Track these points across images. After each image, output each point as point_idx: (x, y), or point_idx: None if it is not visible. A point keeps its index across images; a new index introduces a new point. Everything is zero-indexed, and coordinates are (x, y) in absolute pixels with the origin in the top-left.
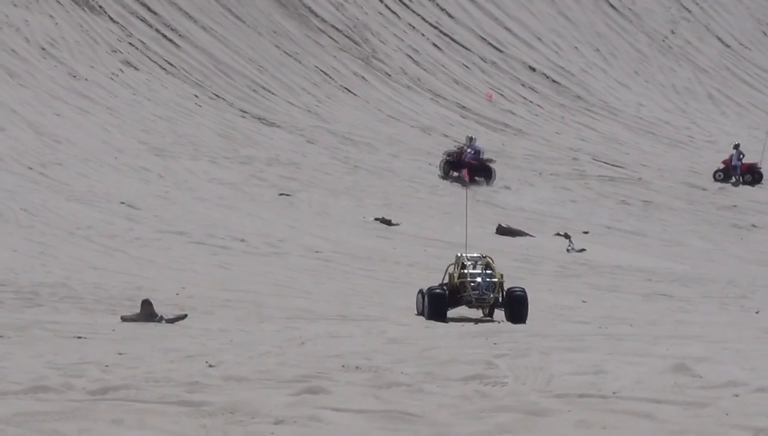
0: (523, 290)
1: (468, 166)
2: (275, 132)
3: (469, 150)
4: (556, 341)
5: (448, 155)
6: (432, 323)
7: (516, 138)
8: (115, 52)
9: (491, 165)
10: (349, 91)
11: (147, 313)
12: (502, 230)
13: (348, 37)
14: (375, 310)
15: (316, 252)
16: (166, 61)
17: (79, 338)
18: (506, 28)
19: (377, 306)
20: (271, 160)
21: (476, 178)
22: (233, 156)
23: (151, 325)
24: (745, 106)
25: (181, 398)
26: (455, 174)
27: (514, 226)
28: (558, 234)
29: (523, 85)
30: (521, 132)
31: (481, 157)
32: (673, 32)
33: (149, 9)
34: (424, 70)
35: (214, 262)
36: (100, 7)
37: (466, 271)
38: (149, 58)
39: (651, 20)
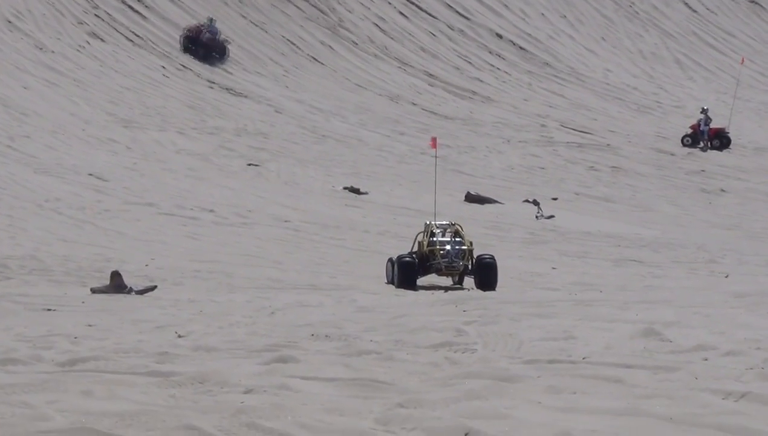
0: (493, 257)
1: (205, 46)
2: (243, 102)
3: (207, 33)
4: (526, 308)
5: (188, 31)
6: (402, 291)
7: (484, 105)
8: (82, 24)
9: (227, 45)
10: (317, 60)
11: (116, 284)
12: (471, 198)
13: (314, 7)
14: (345, 279)
15: (285, 222)
16: (132, 32)
17: (49, 310)
18: None
19: (347, 275)
20: (239, 131)
21: (214, 54)
22: (201, 127)
23: (121, 296)
24: (712, 71)
25: (150, 369)
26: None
27: (483, 193)
28: (527, 201)
29: (490, 53)
30: (489, 99)
31: (217, 38)
32: None
33: None
34: (391, 38)
35: (183, 233)
36: None
37: (435, 239)
38: (116, 30)
39: None
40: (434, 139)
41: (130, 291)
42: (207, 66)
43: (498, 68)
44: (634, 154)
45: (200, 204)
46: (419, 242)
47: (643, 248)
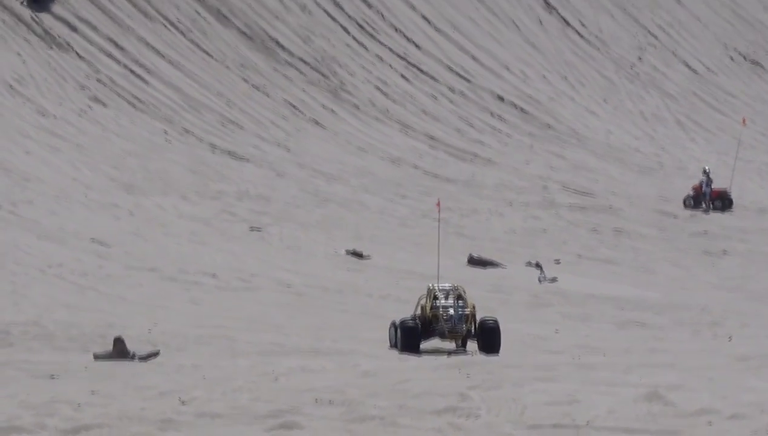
0: (496, 321)
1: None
2: (245, 166)
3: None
4: (529, 372)
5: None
6: (405, 355)
7: (485, 168)
8: (84, 88)
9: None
10: (318, 123)
11: (119, 350)
12: (474, 261)
13: (316, 70)
14: (348, 343)
15: (288, 286)
16: (134, 96)
17: (52, 376)
18: (474, 58)
19: (350, 339)
20: (242, 195)
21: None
22: (203, 191)
23: (124, 362)
24: (713, 132)
25: None
26: None
27: (485, 256)
28: (529, 264)
29: (491, 115)
30: (490, 161)
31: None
32: (640, 59)
33: (117, 45)
34: (393, 101)
35: (185, 298)
36: (68, 43)
37: (438, 302)
38: (117, 94)
39: (618, 47)
40: (438, 202)
41: (133, 357)
42: (208, 129)
43: (499, 130)
44: (636, 216)
45: (203, 269)
46: (422, 306)
47: (646, 311)
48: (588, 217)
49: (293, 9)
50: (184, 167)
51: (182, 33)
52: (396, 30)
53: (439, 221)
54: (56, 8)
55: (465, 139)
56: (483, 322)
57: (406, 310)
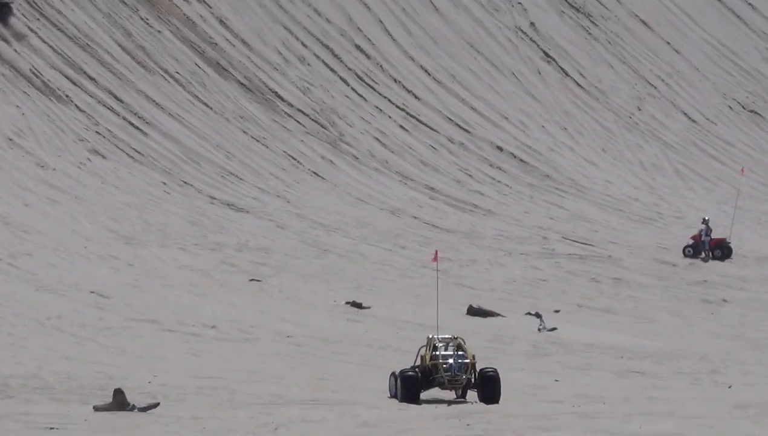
0: (496, 371)
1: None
2: (244, 217)
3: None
4: (530, 421)
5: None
6: (405, 405)
7: (485, 218)
8: (83, 140)
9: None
10: (318, 175)
11: (119, 402)
12: (473, 311)
13: (315, 121)
14: (348, 393)
15: (288, 337)
16: (133, 149)
17: (52, 429)
18: (473, 109)
19: (350, 390)
20: (241, 246)
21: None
22: (203, 242)
23: (124, 414)
24: (712, 181)
25: None
26: None
27: (485, 306)
28: (529, 313)
29: (491, 165)
30: (490, 212)
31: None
32: (639, 109)
33: (116, 97)
34: (392, 152)
35: (185, 349)
36: (67, 96)
37: (438, 352)
38: (117, 147)
39: (617, 97)
40: (436, 253)
41: (133, 409)
42: (207, 181)
43: (499, 181)
44: (635, 265)
45: (202, 320)
46: (422, 356)
47: (646, 359)
48: (587, 266)
49: (292, 61)
50: (183, 219)
51: (182, 85)
52: (395, 81)
53: (437, 271)
54: (55, 61)
55: (464, 189)
56: (483, 371)
57: (406, 360)
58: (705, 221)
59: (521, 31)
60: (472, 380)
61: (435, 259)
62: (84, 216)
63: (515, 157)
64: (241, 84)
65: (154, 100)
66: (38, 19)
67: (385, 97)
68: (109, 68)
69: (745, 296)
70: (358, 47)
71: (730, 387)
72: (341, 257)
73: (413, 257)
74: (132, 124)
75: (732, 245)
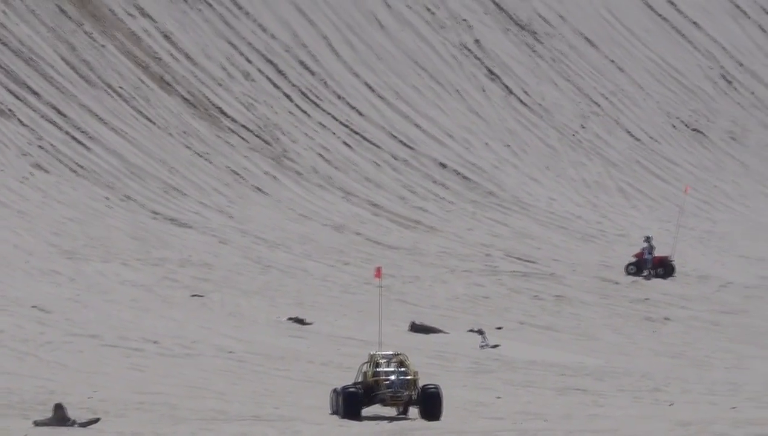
0: (437, 387)
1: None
2: (187, 233)
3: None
4: None
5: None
6: (346, 421)
7: (428, 235)
8: (25, 155)
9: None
10: (261, 190)
11: (60, 417)
12: (416, 328)
13: (259, 137)
14: (289, 410)
15: (230, 353)
16: (76, 163)
17: None
18: (417, 125)
19: (291, 406)
20: (184, 262)
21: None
22: (145, 258)
23: (64, 429)
24: (655, 199)
25: None
26: None
27: (428, 323)
28: (471, 330)
29: (434, 182)
30: (433, 229)
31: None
32: (583, 127)
33: (59, 112)
34: (336, 168)
35: (126, 364)
36: (10, 110)
37: (380, 369)
38: (59, 161)
39: (561, 115)
40: (379, 269)
41: (73, 424)
42: (150, 196)
43: (442, 198)
44: (578, 282)
45: (144, 335)
46: (364, 373)
47: (588, 377)
48: (530, 284)
49: (236, 76)
50: (125, 234)
51: (125, 100)
52: (339, 97)
53: (380, 287)
54: None
55: (408, 206)
56: (425, 388)
57: (348, 376)
58: (648, 239)
59: (466, 48)
60: (414, 396)
61: (378, 275)
62: (26, 230)
63: (459, 174)
64: (185, 99)
65: (97, 115)
66: None
67: (329, 114)
68: (52, 82)
69: (687, 314)
70: (302, 63)
71: (671, 405)
72: (284, 273)
73: (356, 274)
74: (75, 138)
75: (674, 263)
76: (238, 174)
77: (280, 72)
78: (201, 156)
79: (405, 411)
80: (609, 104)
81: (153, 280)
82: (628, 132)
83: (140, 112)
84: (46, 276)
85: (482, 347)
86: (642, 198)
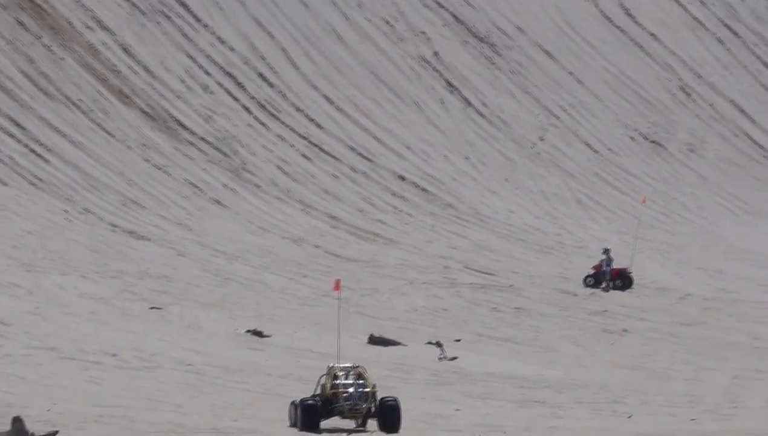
0: (396, 400)
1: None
2: (146, 245)
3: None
4: None
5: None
6: (305, 434)
7: (387, 247)
8: None
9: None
10: (220, 203)
11: (18, 430)
12: (375, 340)
13: (217, 149)
14: (248, 422)
15: (188, 365)
16: (35, 176)
17: None
18: (375, 138)
19: (250, 418)
20: (142, 274)
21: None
22: (104, 270)
23: None
24: (614, 211)
25: None
26: None
27: (386, 335)
28: (430, 342)
29: (393, 195)
30: (392, 241)
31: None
32: (541, 139)
33: (17, 124)
34: (294, 180)
35: (85, 377)
36: None
37: (338, 381)
38: (18, 174)
39: (520, 127)
40: (338, 282)
41: None
42: (109, 209)
43: (401, 210)
44: (536, 294)
45: (103, 348)
46: (322, 385)
47: (547, 389)
48: (489, 296)
49: (195, 89)
50: (84, 246)
51: (84, 113)
52: (298, 110)
53: (339, 299)
54: None
55: (367, 218)
56: (383, 400)
57: (307, 389)
58: (606, 251)
59: (425, 60)
60: (373, 408)
61: (337, 288)
62: None
63: (417, 186)
64: (144, 112)
65: (56, 128)
66: None
67: (287, 126)
68: (10, 95)
69: (646, 326)
70: (261, 76)
71: (630, 417)
72: (242, 286)
73: (315, 286)
74: (34, 151)
75: (633, 275)
76: (196, 186)
77: (238, 84)
78: (160, 168)
79: (363, 424)
80: (567, 116)
81: (112, 292)
82: (587, 144)
83: (99, 125)
84: (4, 289)
85: (441, 359)
86: (600, 210)
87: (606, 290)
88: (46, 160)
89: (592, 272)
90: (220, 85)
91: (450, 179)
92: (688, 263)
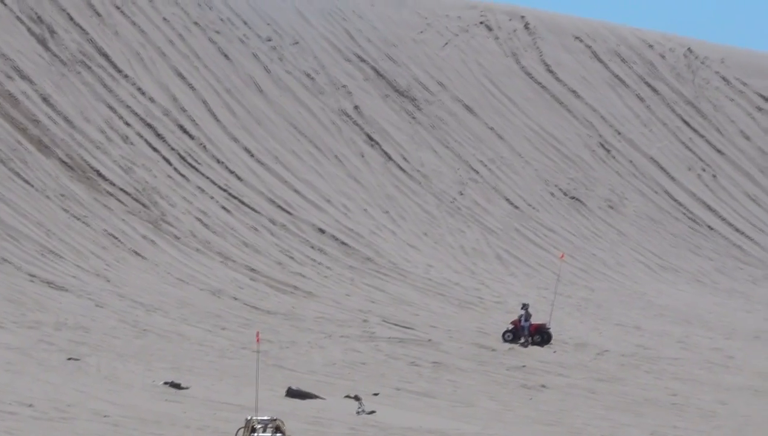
0: None
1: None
2: (64, 296)
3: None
4: None
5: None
6: None
7: (306, 300)
8: None
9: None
10: (138, 254)
11: None
12: (293, 393)
13: (137, 200)
14: None
15: (105, 417)
16: None
17: None
18: (295, 190)
19: None
20: (60, 325)
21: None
22: (21, 320)
23: None
24: (533, 267)
25: None
26: None
27: (305, 388)
28: (348, 396)
29: (312, 248)
30: (311, 294)
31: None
32: (461, 193)
33: None
34: (214, 233)
35: (1, 427)
36: None
37: (256, 434)
38: None
39: (440, 182)
40: (257, 334)
41: None
42: (26, 259)
43: (320, 263)
44: (455, 349)
45: (18, 399)
46: None
47: None
48: (407, 350)
49: (115, 139)
50: (1, 296)
51: (2, 162)
52: (218, 162)
53: (258, 352)
54: None
55: (286, 271)
56: None
57: None
58: (525, 307)
59: (345, 114)
60: None
61: (258, 340)
62: None
63: (337, 239)
64: (63, 162)
65: None
66: None
67: (207, 178)
68: None
69: (564, 381)
70: (181, 127)
71: None
72: (161, 337)
73: (233, 338)
74: None
75: (551, 331)
76: (115, 237)
77: (158, 136)
78: (78, 219)
79: None
80: (488, 171)
81: (28, 343)
82: (507, 199)
83: (18, 174)
84: None
85: (359, 413)
86: (520, 265)
87: (525, 345)
88: None
89: (511, 327)
90: (140, 136)
91: (369, 233)
92: (607, 319)
